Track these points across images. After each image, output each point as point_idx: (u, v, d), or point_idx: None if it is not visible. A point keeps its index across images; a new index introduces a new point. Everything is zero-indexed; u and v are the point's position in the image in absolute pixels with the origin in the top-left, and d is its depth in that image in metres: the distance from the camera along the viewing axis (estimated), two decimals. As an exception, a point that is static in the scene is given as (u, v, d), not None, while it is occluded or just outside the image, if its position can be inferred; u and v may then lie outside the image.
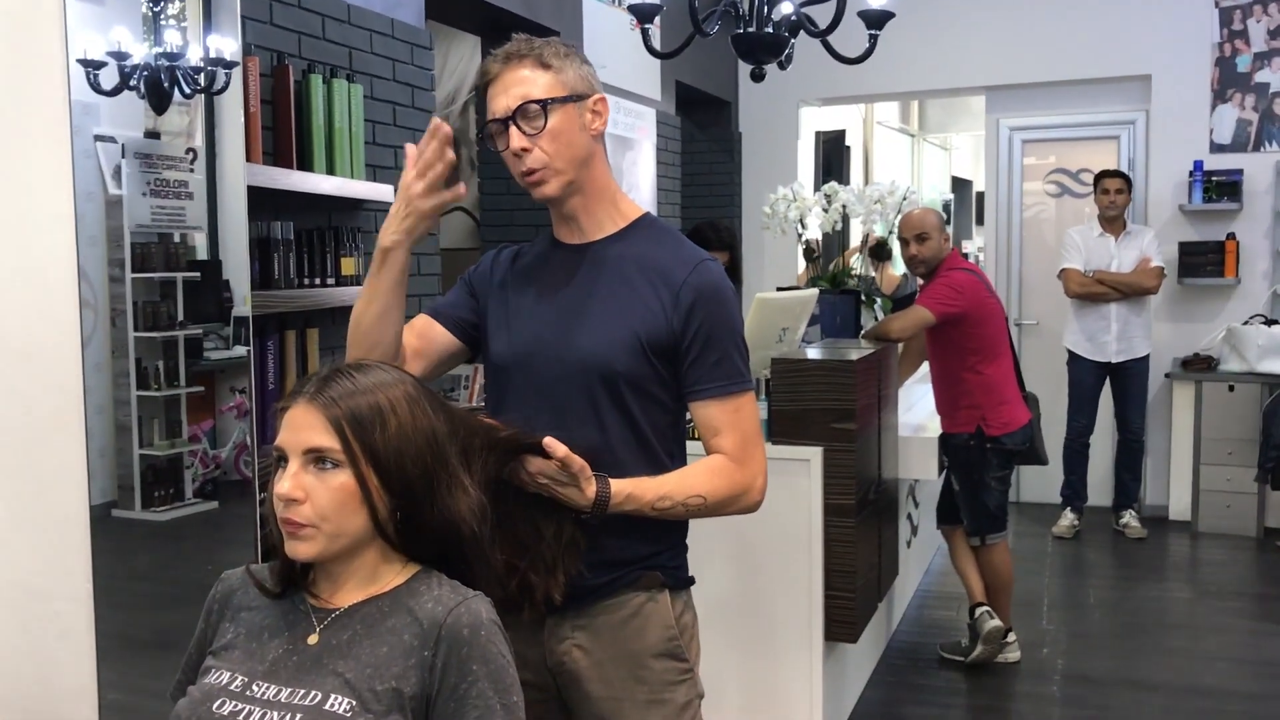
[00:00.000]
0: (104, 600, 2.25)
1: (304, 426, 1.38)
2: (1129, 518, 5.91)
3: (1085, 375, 5.82)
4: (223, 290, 2.97)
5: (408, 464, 1.39)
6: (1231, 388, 5.76)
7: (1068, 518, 5.90)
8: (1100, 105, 6.38)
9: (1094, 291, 5.73)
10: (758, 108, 6.90)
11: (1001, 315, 4.08)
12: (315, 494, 1.36)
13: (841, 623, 3.35)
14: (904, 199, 5.49)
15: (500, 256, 1.91)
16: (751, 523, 2.23)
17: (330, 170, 3.11)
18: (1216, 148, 6.02)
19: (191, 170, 2.81)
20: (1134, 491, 5.97)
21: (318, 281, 3.09)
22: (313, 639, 1.40)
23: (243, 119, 2.80)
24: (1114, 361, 5.78)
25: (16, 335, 2.09)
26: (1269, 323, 5.75)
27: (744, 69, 6.92)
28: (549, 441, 1.59)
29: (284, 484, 1.36)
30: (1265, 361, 5.63)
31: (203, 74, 2.80)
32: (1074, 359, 5.86)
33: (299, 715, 1.32)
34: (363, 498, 1.38)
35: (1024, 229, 6.66)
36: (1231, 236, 5.95)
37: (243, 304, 3.01)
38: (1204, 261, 6.00)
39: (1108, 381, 5.87)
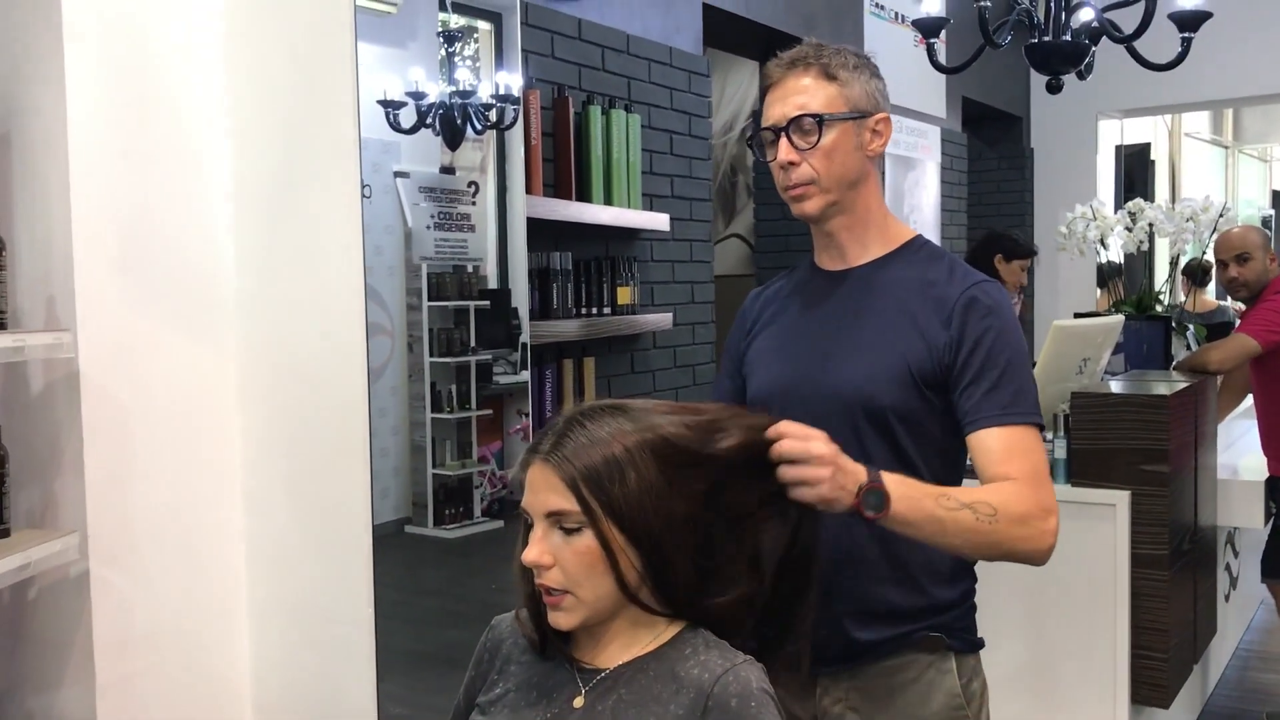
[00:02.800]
0: (393, 614, 2.30)
1: (542, 488, 1.32)
2: None
3: None
4: (511, 317, 3.03)
5: (651, 517, 1.31)
6: None
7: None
8: None
9: None
10: (1052, 121, 6.51)
11: (1339, 343, 3.61)
12: (562, 558, 1.30)
13: (1152, 685, 3.03)
14: (1220, 216, 5.01)
15: (759, 296, 1.80)
16: (1048, 574, 2.00)
17: (608, 200, 3.12)
18: None
19: (474, 203, 2.88)
20: None
21: (594, 311, 3.10)
22: (578, 702, 1.34)
23: (523, 152, 2.85)
24: None
25: (308, 362, 2.17)
26: None
27: (1037, 81, 6.54)
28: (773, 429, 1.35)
29: (530, 551, 1.31)
30: None
31: (493, 110, 2.86)
32: None
33: None
34: (608, 559, 1.30)
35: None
36: None
37: (529, 330, 3.07)
38: None
39: None
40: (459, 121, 2.84)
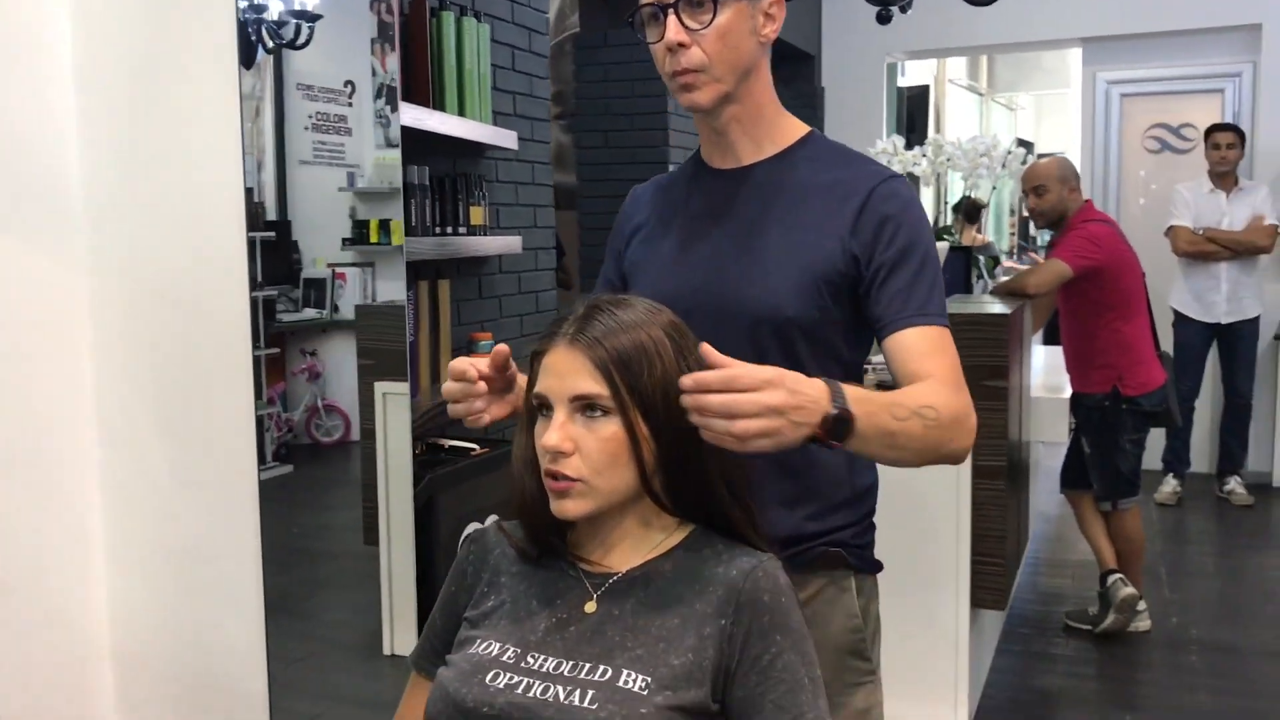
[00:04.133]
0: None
1: (568, 371, 1.24)
2: (1235, 484, 5.71)
3: (1192, 337, 5.61)
4: (292, 251, 2.86)
5: (675, 409, 1.24)
6: (1346, 350, 5.54)
7: (1170, 484, 5.71)
8: (1205, 56, 6.13)
9: (1204, 250, 5.51)
10: (842, 61, 6.69)
11: (1139, 269, 3.90)
12: (585, 445, 1.23)
13: (990, 589, 3.20)
14: (1008, 153, 5.31)
15: (641, 194, 1.66)
16: (896, 486, 1.93)
17: (461, 112, 2.97)
18: (1332, 99, 5.77)
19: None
20: (1240, 458, 5.77)
21: (450, 230, 2.95)
22: (590, 607, 1.26)
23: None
24: (1223, 323, 5.57)
25: (178, 279, 1.96)
26: (1387, 282, 5.52)
27: (829, 21, 6.73)
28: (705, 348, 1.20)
29: (552, 435, 1.22)
30: (1384, 323, 5.40)
31: (287, 26, 2.66)
32: (1181, 320, 5.65)
33: (591, 692, 1.18)
34: (632, 449, 1.24)
35: (1122, 187, 6.43)
36: (1348, 191, 5.71)
37: (312, 265, 2.91)
38: (1316, 218, 5.75)
39: (1214, 344, 5.67)
40: (252, 39, 2.62)
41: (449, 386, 1.42)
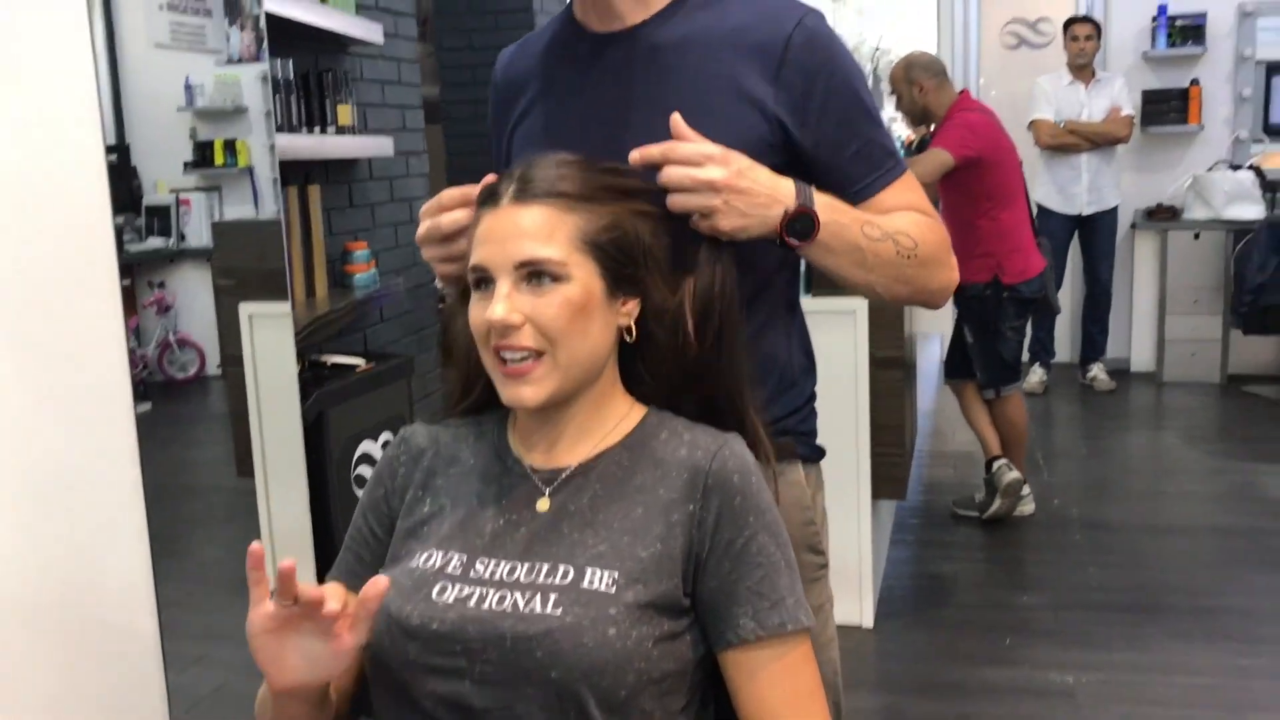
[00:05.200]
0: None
1: (512, 234, 1.10)
2: (1097, 370, 5.89)
3: (1056, 229, 5.70)
4: (132, 177, 2.64)
5: (638, 265, 1.13)
6: (1197, 235, 5.73)
7: (1037, 373, 5.86)
8: (1059, -50, 6.19)
9: (1065, 142, 5.60)
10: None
11: (1016, 158, 3.91)
12: (537, 314, 1.09)
13: (890, 480, 3.20)
14: (875, 49, 5.27)
15: (513, 65, 1.43)
16: None
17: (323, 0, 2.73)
18: (1179, -10, 5.89)
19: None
20: (1102, 345, 5.95)
21: (319, 129, 2.73)
22: (542, 504, 1.14)
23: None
24: (1085, 214, 5.69)
25: (21, 185, 1.73)
26: (1234, 168, 5.71)
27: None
28: (675, 118, 1.15)
29: (496, 307, 1.08)
30: (1232, 208, 5.59)
31: None
32: (1043, 213, 5.74)
33: (553, 596, 1.06)
34: (590, 311, 1.11)
35: (982, 83, 6.48)
36: (1195, 83, 5.87)
37: (153, 190, 2.70)
38: (1167, 109, 5.91)
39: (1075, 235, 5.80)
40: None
41: (430, 222, 1.24)
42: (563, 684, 1.03)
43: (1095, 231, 5.74)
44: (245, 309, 2.57)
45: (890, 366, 3.12)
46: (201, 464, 3.29)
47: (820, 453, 1.44)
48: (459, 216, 1.22)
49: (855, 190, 1.27)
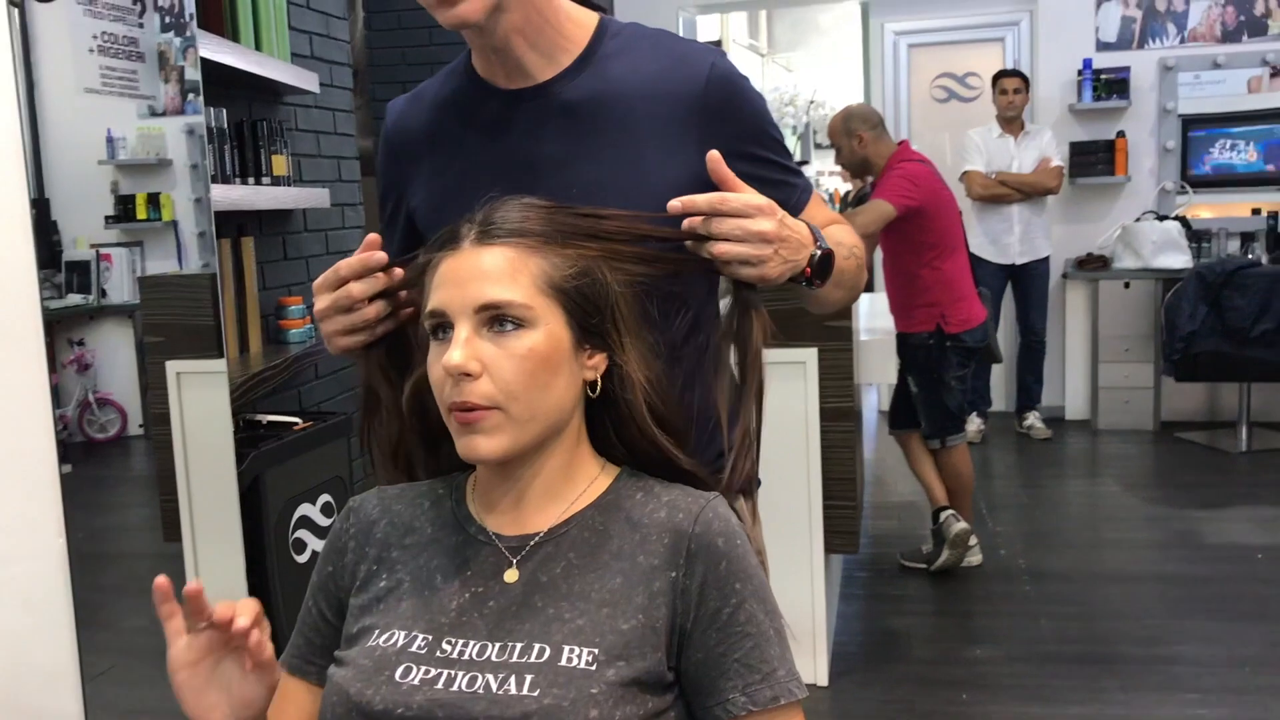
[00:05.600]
0: None
1: (471, 277, 1.02)
2: (1033, 419, 5.93)
3: (989, 279, 5.75)
4: (51, 232, 2.55)
5: (607, 312, 1.06)
6: (1128, 285, 5.82)
7: (974, 422, 5.87)
8: (985, 6, 6.30)
9: (997, 193, 5.68)
10: (635, 14, 6.54)
11: (956, 208, 3.92)
12: (495, 365, 1.01)
13: (842, 533, 3.14)
14: (810, 103, 5.30)
15: (402, 119, 1.36)
16: None
17: (258, 46, 2.65)
18: (1103, 46, 6.02)
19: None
20: (1037, 393, 5.99)
21: (253, 180, 2.63)
22: (510, 575, 1.05)
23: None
24: (1018, 263, 5.76)
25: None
26: (1160, 218, 5.82)
27: (623, -27, 6.56)
28: (714, 157, 1.14)
29: (454, 353, 1.00)
30: (1160, 257, 5.69)
31: None
32: (977, 262, 5.77)
33: (529, 677, 0.97)
34: (554, 364, 1.03)
35: (913, 137, 6.55)
36: (1121, 135, 5.99)
37: (73, 246, 2.62)
38: (1095, 160, 6.02)
39: (1009, 285, 5.86)
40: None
41: (338, 293, 1.17)
42: None
43: (1028, 281, 5.80)
44: (173, 366, 2.46)
45: (841, 418, 3.08)
46: (125, 529, 3.14)
47: (759, 483, 1.45)
48: (371, 283, 1.16)
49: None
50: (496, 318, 1.02)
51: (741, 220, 1.12)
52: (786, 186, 1.32)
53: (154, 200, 2.56)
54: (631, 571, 1.03)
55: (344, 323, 1.18)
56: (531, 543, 1.07)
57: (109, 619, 2.80)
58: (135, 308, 2.66)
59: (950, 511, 3.92)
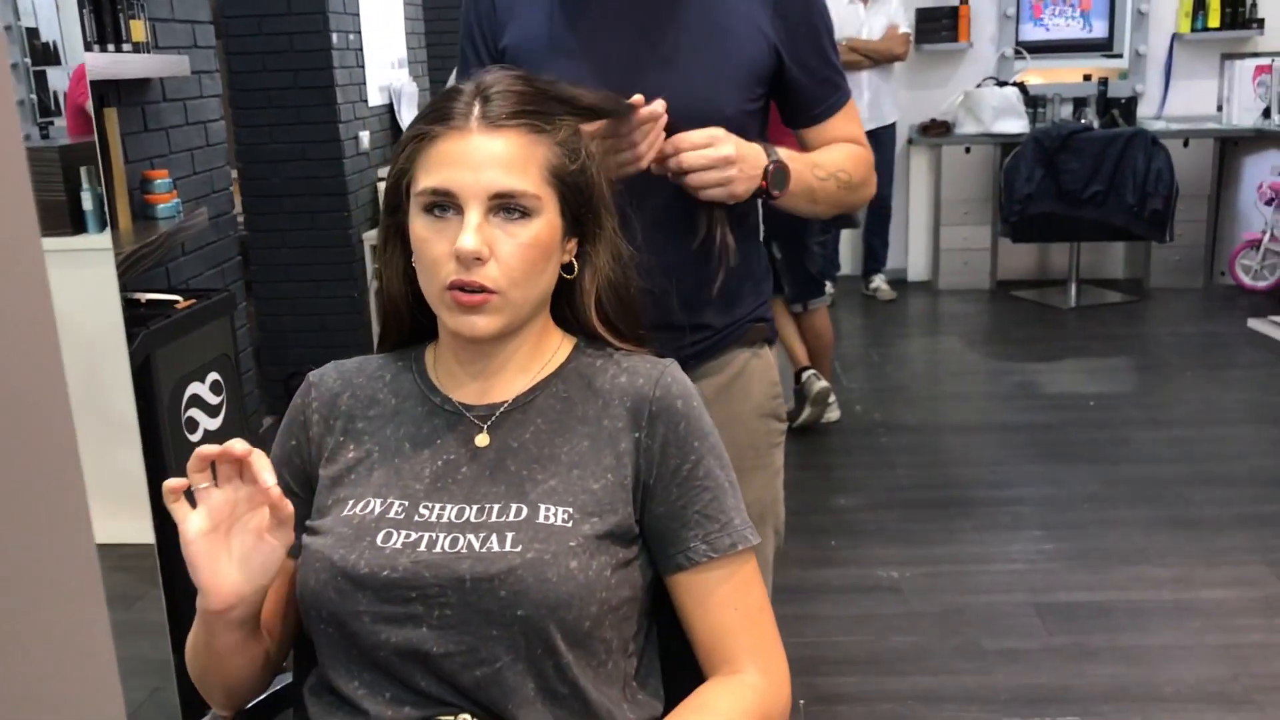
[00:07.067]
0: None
1: (484, 162, 1.04)
2: (879, 281, 6.18)
3: (840, 145, 5.91)
4: None
5: (603, 205, 1.12)
6: (968, 150, 6.05)
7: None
8: None
9: (847, 60, 5.76)
10: None
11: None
12: (502, 251, 1.04)
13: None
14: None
15: None
16: None
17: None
18: (948, -88, 6.12)
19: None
20: (883, 257, 6.23)
21: (112, 47, 2.50)
22: (481, 440, 1.10)
23: None
24: (866, 129, 5.89)
25: None
26: (1000, 84, 6.03)
27: None
28: (641, 103, 1.25)
29: (469, 237, 1.02)
30: (1000, 122, 5.92)
31: None
32: (828, 129, 5.93)
33: (510, 534, 1.03)
34: (552, 254, 1.09)
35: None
36: (964, 1, 6.14)
37: None
38: (939, 27, 6.17)
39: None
40: None
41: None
42: (529, 620, 1.00)
43: (876, 147, 5.81)
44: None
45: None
46: None
47: (776, 335, 1.66)
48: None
49: (815, 112, 1.50)
50: (506, 205, 1.04)
51: (706, 151, 1.29)
52: (830, 85, 1.49)
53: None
54: (597, 435, 1.09)
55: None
56: (499, 410, 1.11)
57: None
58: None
59: (811, 371, 4.10)
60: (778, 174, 1.36)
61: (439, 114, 1.07)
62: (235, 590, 1.00)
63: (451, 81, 1.55)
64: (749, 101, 1.44)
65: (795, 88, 1.47)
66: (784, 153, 1.39)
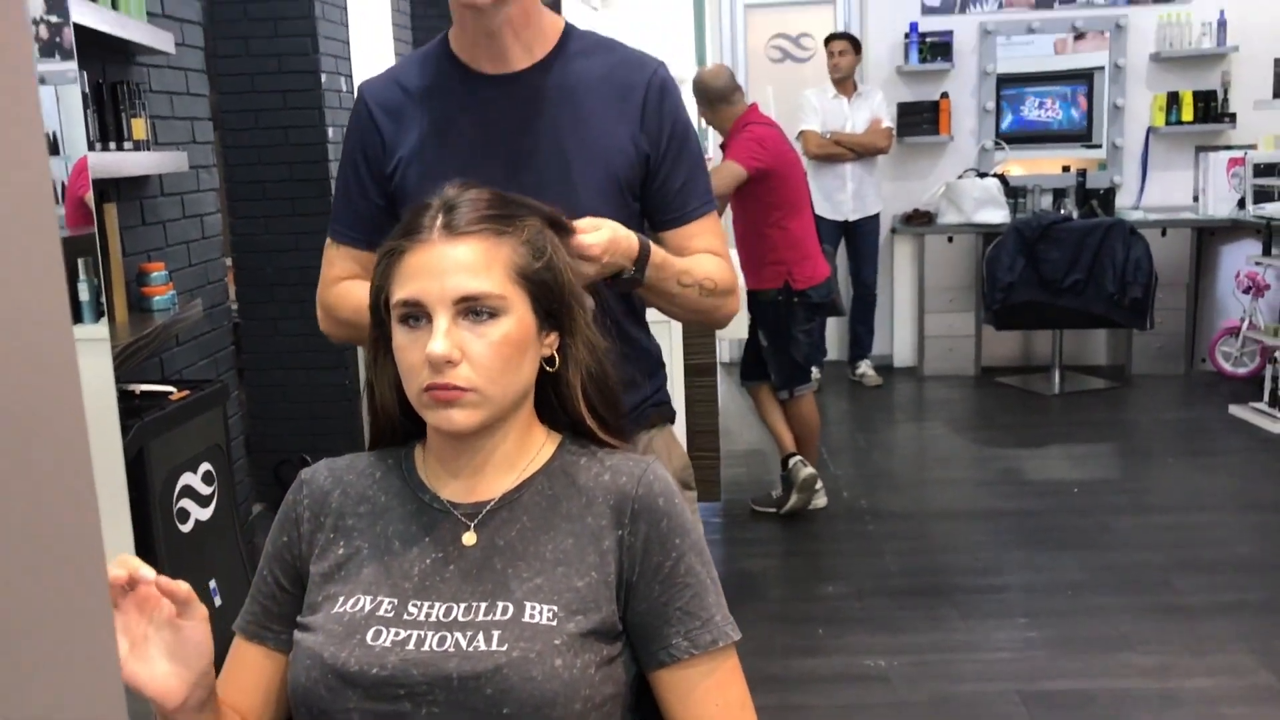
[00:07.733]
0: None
1: (448, 269, 1.09)
2: (865, 367, 6.25)
3: (825, 234, 5.97)
4: None
5: (571, 300, 1.16)
6: (951, 239, 6.16)
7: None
8: (817, -31, 6.51)
9: (832, 153, 5.91)
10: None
11: (801, 169, 4.10)
12: (473, 351, 1.09)
13: (706, 482, 3.30)
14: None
15: (386, 103, 1.55)
16: None
17: (113, 4, 2.57)
18: (928, 10, 6.32)
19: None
20: (868, 343, 6.31)
21: (113, 145, 2.57)
22: (469, 539, 1.13)
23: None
24: (850, 219, 6.02)
25: None
26: (981, 175, 6.17)
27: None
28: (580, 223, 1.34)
29: (438, 343, 1.07)
30: (981, 212, 6.05)
31: None
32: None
33: (496, 633, 1.06)
34: (527, 350, 1.13)
35: (750, 96, 6.72)
36: (945, 95, 6.31)
37: None
38: (920, 120, 6.33)
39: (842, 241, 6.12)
40: None
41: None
42: (515, 718, 1.03)
43: (860, 236, 6.08)
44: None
45: (703, 373, 3.23)
46: None
47: (674, 414, 1.74)
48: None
49: (674, 215, 1.58)
50: (473, 308, 1.09)
51: (599, 233, 1.35)
52: (687, 194, 1.57)
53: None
54: (582, 532, 1.13)
55: None
56: (486, 508, 1.15)
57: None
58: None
59: (798, 458, 4.14)
60: (635, 279, 1.42)
61: (407, 229, 1.13)
62: (182, 682, 1.02)
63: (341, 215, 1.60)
64: (623, 209, 1.51)
65: (654, 191, 1.56)
66: (660, 254, 1.45)
